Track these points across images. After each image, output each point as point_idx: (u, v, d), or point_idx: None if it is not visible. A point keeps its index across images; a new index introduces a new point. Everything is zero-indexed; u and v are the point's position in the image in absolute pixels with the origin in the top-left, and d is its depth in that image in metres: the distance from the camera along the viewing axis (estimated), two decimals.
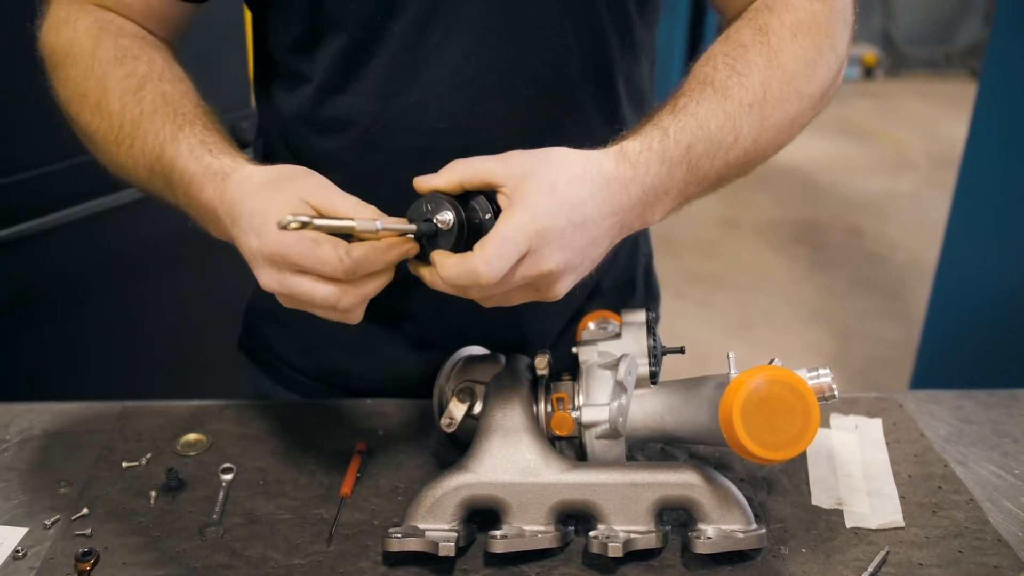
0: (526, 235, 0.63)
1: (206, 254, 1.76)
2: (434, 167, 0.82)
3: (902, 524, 0.78)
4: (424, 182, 0.68)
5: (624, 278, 1.02)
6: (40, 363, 1.52)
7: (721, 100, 0.70)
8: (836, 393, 0.71)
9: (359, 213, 0.65)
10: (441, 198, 0.67)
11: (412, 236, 0.67)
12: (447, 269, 0.64)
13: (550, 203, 0.63)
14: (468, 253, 0.64)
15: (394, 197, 0.76)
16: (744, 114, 0.70)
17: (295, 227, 0.59)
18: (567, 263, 0.65)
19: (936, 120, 5.47)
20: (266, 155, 0.94)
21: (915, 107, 5.83)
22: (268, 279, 0.66)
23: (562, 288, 0.67)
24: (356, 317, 0.68)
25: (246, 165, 0.70)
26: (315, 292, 0.65)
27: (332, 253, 0.64)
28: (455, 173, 0.67)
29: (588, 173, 0.65)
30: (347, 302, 0.66)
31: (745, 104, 0.70)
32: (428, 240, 0.67)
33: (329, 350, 0.97)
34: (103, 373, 1.61)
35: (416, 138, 0.82)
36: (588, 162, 0.66)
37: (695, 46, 4.70)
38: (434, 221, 0.66)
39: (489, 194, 0.67)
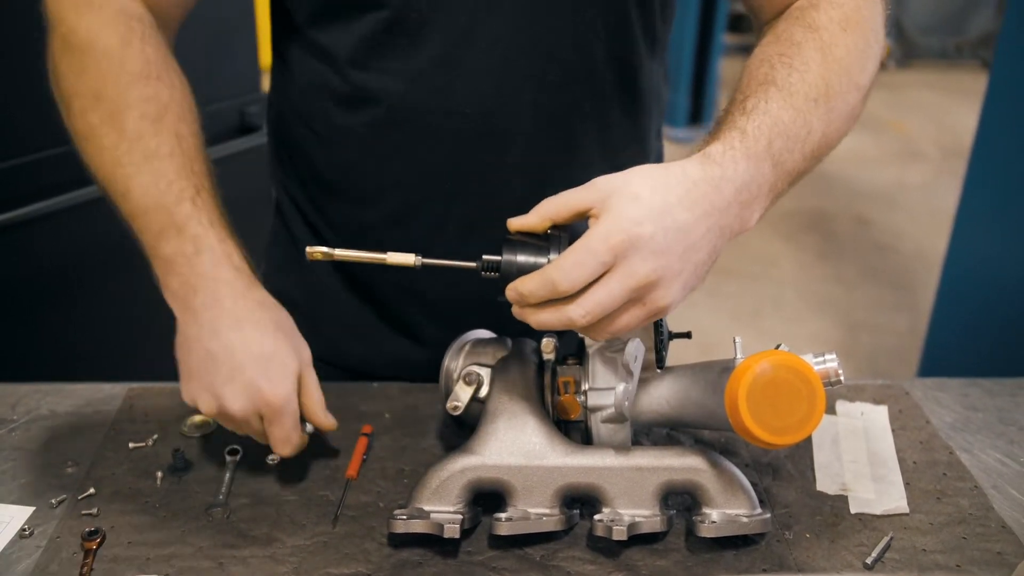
0: (607, 244, 0.62)
1: None
2: (453, 148, 0.82)
3: (907, 510, 0.78)
4: (515, 223, 0.69)
5: None
6: (47, 345, 1.53)
7: (787, 97, 0.70)
8: (842, 378, 0.71)
9: (320, 399, 0.78)
10: (515, 241, 0.68)
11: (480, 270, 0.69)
12: (525, 283, 0.65)
13: (635, 211, 0.63)
14: (548, 266, 0.65)
15: (409, 174, 0.76)
16: (811, 108, 0.70)
17: (319, 256, 0.67)
18: (664, 269, 0.63)
19: (947, 110, 5.43)
20: (278, 126, 0.94)
21: (926, 97, 5.79)
22: (239, 407, 0.73)
23: (668, 298, 0.64)
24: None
25: (260, 284, 0.77)
26: (258, 437, 0.77)
27: (298, 439, 0.77)
28: (542, 209, 0.68)
29: (673, 178, 0.65)
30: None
31: (811, 99, 0.71)
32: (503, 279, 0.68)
33: (337, 333, 0.97)
34: (110, 355, 1.62)
35: (439, 119, 0.82)
36: (671, 169, 0.66)
37: (705, 44, 4.67)
38: (483, 260, 0.69)
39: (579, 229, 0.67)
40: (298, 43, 0.86)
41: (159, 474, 0.81)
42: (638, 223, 0.62)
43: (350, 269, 0.91)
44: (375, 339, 0.96)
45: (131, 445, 0.85)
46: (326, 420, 0.79)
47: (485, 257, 0.69)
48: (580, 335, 0.76)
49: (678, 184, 0.64)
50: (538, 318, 0.66)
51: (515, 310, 0.67)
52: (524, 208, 0.69)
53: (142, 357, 1.67)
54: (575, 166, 0.86)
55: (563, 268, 0.62)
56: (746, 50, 0.81)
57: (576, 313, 0.63)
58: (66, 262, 1.53)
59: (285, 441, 0.75)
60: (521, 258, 0.68)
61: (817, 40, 0.74)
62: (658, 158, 0.98)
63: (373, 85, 0.82)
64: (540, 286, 0.64)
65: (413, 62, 0.80)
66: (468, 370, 0.79)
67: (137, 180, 0.73)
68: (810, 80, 0.71)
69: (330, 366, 0.98)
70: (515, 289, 0.65)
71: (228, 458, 0.83)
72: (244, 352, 0.72)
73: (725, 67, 5.05)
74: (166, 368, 1.75)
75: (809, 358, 0.72)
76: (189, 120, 0.77)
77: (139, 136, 0.73)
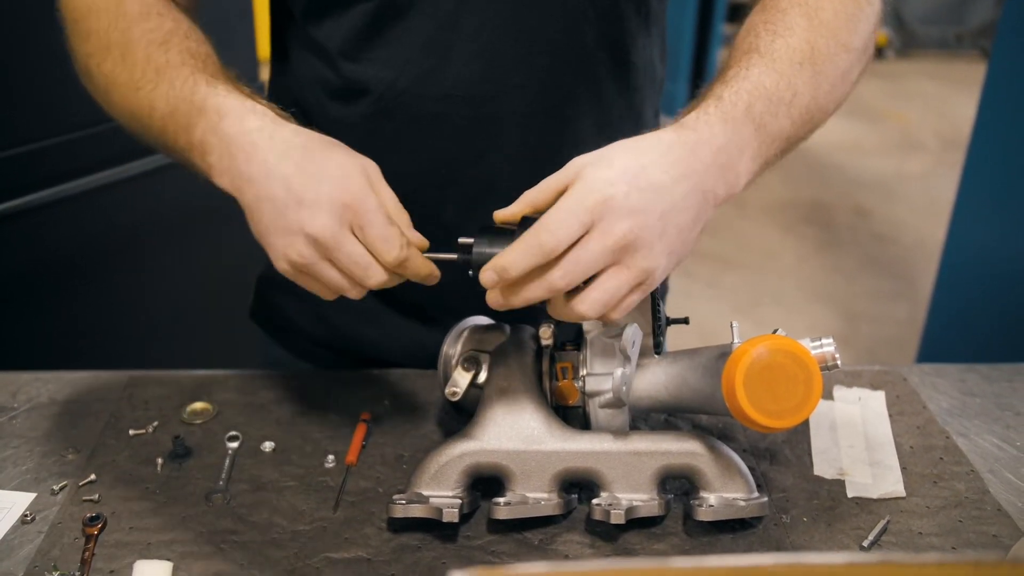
0: (584, 206, 0.62)
1: (212, 226, 1.76)
2: (447, 135, 0.82)
3: (903, 494, 0.78)
4: (500, 215, 0.69)
5: None
6: (48, 334, 1.53)
7: (769, 62, 0.70)
8: (839, 363, 0.71)
9: (402, 210, 0.70)
10: (486, 228, 0.69)
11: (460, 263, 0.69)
12: (506, 255, 0.63)
13: (608, 173, 0.63)
14: (530, 229, 0.64)
15: (406, 164, 0.76)
16: (796, 72, 0.70)
17: None
18: (642, 229, 0.62)
19: (946, 101, 5.42)
20: None
21: (925, 87, 5.78)
22: (321, 224, 0.64)
23: (651, 261, 0.63)
24: (358, 296, 0.69)
25: (293, 120, 0.70)
26: (360, 259, 0.65)
27: (398, 236, 0.66)
28: (524, 197, 0.68)
29: (645, 143, 0.65)
30: (375, 282, 0.67)
31: (795, 63, 0.70)
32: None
33: (341, 319, 0.97)
34: (109, 344, 1.62)
35: (430, 105, 0.82)
36: (644, 137, 0.66)
37: (705, 22, 4.66)
38: (460, 242, 0.69)
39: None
40: (295, 38, 0.87)
41: (159, 461, 0.82)
42: (611, 183, 0.62)
43: None
44: (381, 326, 0.96)
45: (131, 432, 0.85)
46: (414, 232, 0.70)
47: (460, 241, 0.69)
48: (578, 320, 0.74)
49: (651, 149, 0.64)
50: (521, 295, 0.64)
51: (491, 296, 0.66)
52: (520, 190, 0.69)
53: (142, 346, 1.68)
54: (570, 146, 0.85)
55: (548, 227, 0.62)
56: None
57: (556, 275, 0.63)
58: (67, 251, 1.54)
59: (386, 240, 0.65)
60: (492, 246, 0.67)
61: (803, 5, 0.74)
62: (650, 109, 0.98)
63: (364, 75, 0.82)
64: (523, 252, 0.63)
65: (401, 49, 0.81)
66: (467, 356, 0.80)
67: (156, 93, 0.72)
68: (794, 44, 0.71)
69: (336, 352, 0.99)
70: (494, 266, 0.64)
71: (228, 444, 0.84)
72: (300, 173, 0.65)
73: (725, 57, 5.04)
74: (166, 356, 1.77)
75: (806, 342, 0.72)
76: (197, 39, 0.76)
77: (149, 59, 0.73)
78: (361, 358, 0.98)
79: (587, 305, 0.64)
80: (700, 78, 4.76)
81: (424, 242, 0.71)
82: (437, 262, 0.71)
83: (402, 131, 0.83)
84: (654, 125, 0.98)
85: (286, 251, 0.65)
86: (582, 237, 0.62)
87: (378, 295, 0.94)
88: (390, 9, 0.79)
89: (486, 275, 0.65)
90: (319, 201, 0.64)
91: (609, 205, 0.62)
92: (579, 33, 0.81)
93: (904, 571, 0.41)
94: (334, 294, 0.69)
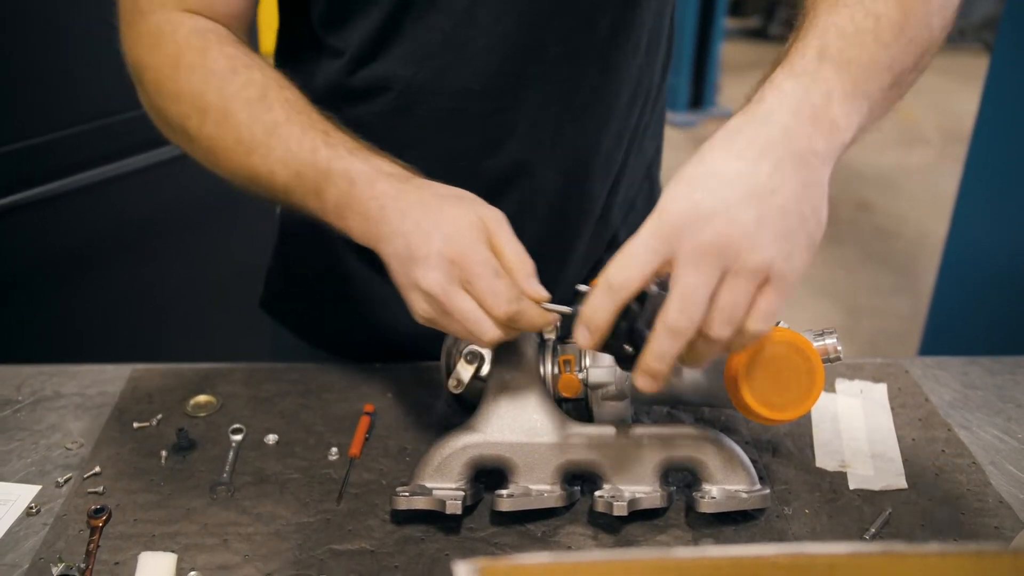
0: (652, 233, 0.57)
1: (215, 220, 1.77)
2: (465, 127, 0.83)
3: (905, 486, 0.79)
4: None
5: None
6: (52, 328, 1.54)
7: (835, 7, 0.63)
8: (841, 355, 0.71)
9: (522, 260, 0.68)
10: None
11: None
12: (588, 303, 0.60)
13: (675, 193, 0.58)
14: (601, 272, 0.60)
15: (424, 157, 0.77)
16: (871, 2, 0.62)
17: None
18: (728, 226, 0.55)
19: (949, 94, 5.41)
20: None
21: (928, 81, 5.73)
22: (432, 280, 0.65)
23: (758, 256, 0.56)
24: (488, 345, 0.69)
25: (417, 174, 0.72)
26: (469, 315, 0.66)
27: (507, 290, 0.65)
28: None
29: (714, 141, 0.59)
30: (489, 337, 0.67)
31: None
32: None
33: (352, 309, 0.97)
34: (114, 338, 1.63)
35: (447, 100, 0.82)
36: (713, 136, 0.60)
37: (706, 28, 4.65)
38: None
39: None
40: (306, 42, 0.87)
41: (164, 453, 0.82)
42: (676, 200, 0.57)
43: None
44: (393, 316, 0.95)
45: (135, 425, 0.86)
46: (531, 286, 0.67)
47: (578, 288, 0.65)
48: (721, 353, 0.62)
49: (719, 144, 0.59)
50: (662, 366, 0.58)
51: (641, 383, 0.60)
52: (540, 178, 0.68)
53: (146, 339, 1.68)
54: (588, 133, 0.87)
55: (617, 262, 0.58)
56: (747, 33, 0.81)
57: (672, 317, 0.57)
58: (70, 245, 1.54)
59: (494, 294, 0.65)
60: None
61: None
62: (660, 109, 0.98)
63: (382, 74, 0.83)
64: (599, 295, 0.59)
65: (419, 46, 0.81)
66: (469, 349, 0.80)
67: (273, 157, 0.72)
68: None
69: (346, 342, 1.00)
70: (580, 319, 0.60)
71: (232, 437, 0.84)
72: (416, 231, 0.67)
73: (726, 51, 5.03)
74: (169, 350, 1.77)
75: (808, 335, 0.72)
76: (288, 86, 0.76)
77: (254, 119, 0.73)
78: (373, 346, 0.98)
79: (715, 329, 0.57)
80: (701, 73, 4.76)
81: (543, 295, 0.68)
82: (554, 313, 0.69)
83: (420, 126, 0.83)
84: (663, 107, 0.99)
85: (413, 305, 0.68)
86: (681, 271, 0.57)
87: (387, 284, 0.94)
88: (407, 7, 0.79)
89: (578, 332, 0.61)
90: (429, 257, 0.66)
91: (683, 223, 0.56)
92: (594, 23, 0.82)
93: (906, 561, 0.41)
94: (468, 335, 0.68)
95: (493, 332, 0.67)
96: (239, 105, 0.74)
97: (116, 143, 1.51)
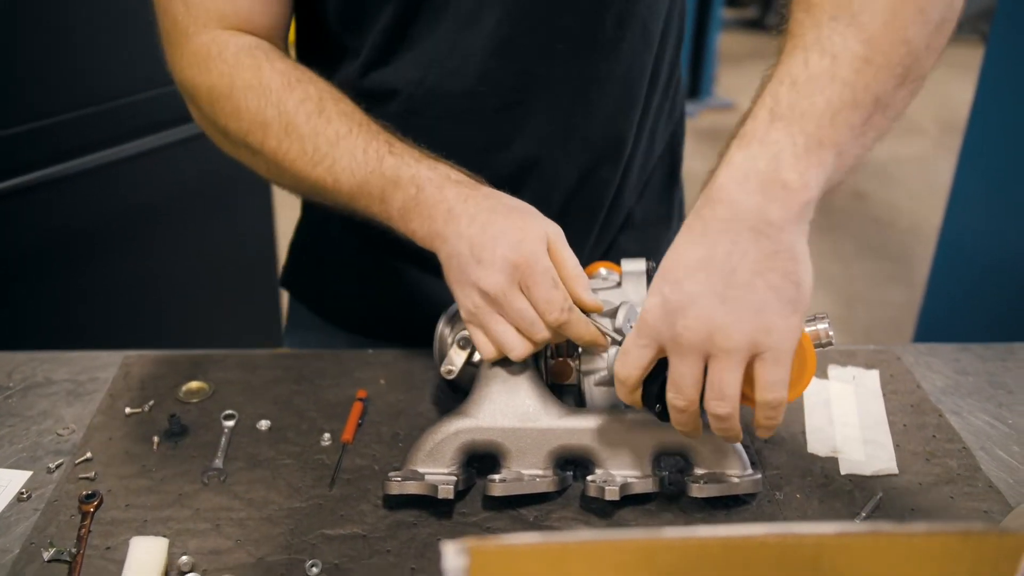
0: (640, 334, 0.63)
1: (212, 207, 1.76)
2: (475, 125, 0.85)
3: (896, 471, 0.79)
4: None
5: (659, 213, 1.03)
6: (43, 315, 1.53)
7: (788, 53, 0.61)
8: (833, 340, 0.71)
9: (580, 274, 0.73)
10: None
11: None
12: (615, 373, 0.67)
13: (652, 287, 0.63)
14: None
15: (435, 155, 0.78)
16: (826, 40, 0.60)
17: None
18: (696, 317, 0.59)
19: (945, 85, 5.39)
20: None
21: None
22: (493, 281, 0.70)
23: (731, 337, 0.59)
24: (518, 358, 0.73)
25: (483, 183, 0.76)
26: (525, 315, 0.70)
27: (562, 299, 0.70)
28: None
29: (680, 238, 0.62)
30: (540, 338, 0.71)
31: (819, 47, 0.60)
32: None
33: (373, 288, 0.98)
34: (106, 324, 1.62)
35: (455, 102, 0.84)
36: (681, 232, 0.63)
37: (703, 18, 4.63)
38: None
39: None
40: (325, 50, 0.88)
41: (156, 439, 0.82)
42: (651, 296, 0.63)
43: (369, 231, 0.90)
44: (420, 289, 0.96)
45: (128, 411, 0.85)
46: (587, 296, 0.72)
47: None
48: (730, 429, 0.67)
49: (683, 239, 0.62)
50: (690, 429, 0.67)
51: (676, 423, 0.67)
52: (552, 169, 0.72)
53: (138, 325, 1.68)
54: (599, 123, 0.87)
55: (621, 351, 0.66)
56: (744, 24, 0.81)
57: (673, 397, 0.64)
58: (62, 232, 1.54)
59: (549, 301, 0.69)
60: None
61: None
62: (674, 85, 0.98)
63: (392, 77, 0.84)
64: (617, 385, 0.67)
65: (426, 50, 0.82)
66: (462, 335, 0.80)
67: (339, 167, 0.76)
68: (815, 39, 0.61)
69: (369, 319, 1.01)
70: (616, 382, 0.68)
71: (224, 423, 0.84)
72: (482, 235, 0.71)
73: (724, 41, 5.02)
74: (161, 336, 1.77)
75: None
76: (343, 98, 0.79)
77: (316, 132, 0.76)
78: (393, 325, 0.99)
79: (711, 406, 0.63)
80: (699, 63, 4.76)
81: (597, 306, 0.73)
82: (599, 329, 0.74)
83: (430, 126, 0.84)
84: (680, 85, 0.99)
85: (465, 301, 0.72)
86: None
87: (411, 259, 0.94)
88: (416, 12, 0.81)
89: (618, 388, 0.68)
90: (494, 261, 0.70)
91: (659, 320, 0.62)
92: (599, 17, 0.82)
93: (893, 540, 0.41)
94: (498, 351, 0.73)
95: (544, 333, 0.71)
96: (300, 119, 0.77)
97: (106, 130, 1.51)
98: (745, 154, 0.59)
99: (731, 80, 5.20)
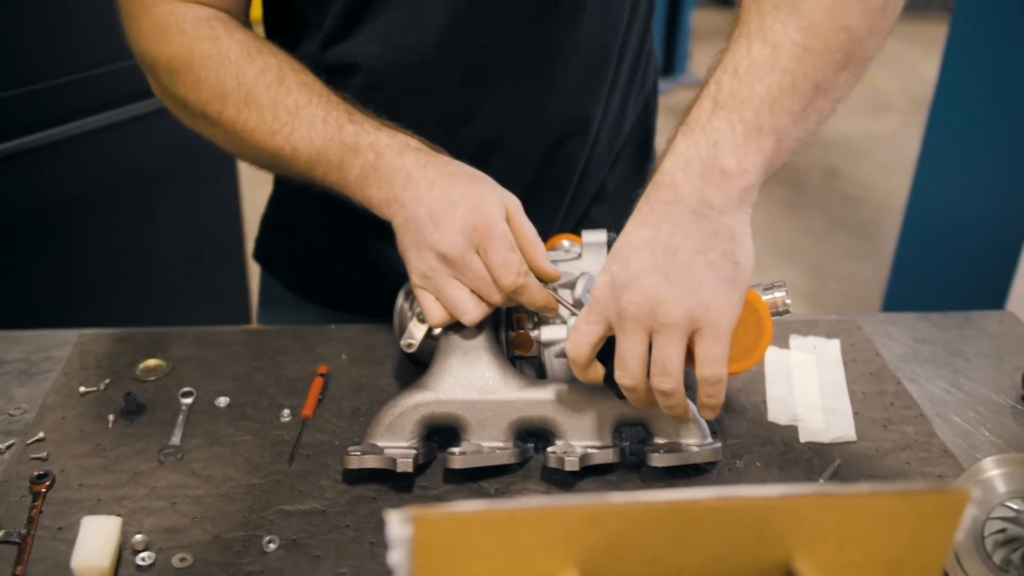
0: (591, 310, 0.65)
1: (178, 183, 1.73)
2: (437, 100, 0.85)
3: (854, 438, 0.79)
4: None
5: (632, 186, 1.02)
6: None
7: (728, 51, 0.64)
8: (790, 308, 0.71)
9: (537, 241, 0.73)
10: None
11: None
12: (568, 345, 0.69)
13: (607, 264, 0.65)
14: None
15: None
16: (767, 30, 0.62)
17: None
18: (639, 292, 0.62)
19: (915, 61, 5.44)
20: None
21: (894, 48, 5.79)
22: (451, 242, 0.70)
23: (672, 311, 0.61)
24: (470, 323, 0.73)
25: (443, 152, 0.77)
26: (481, 278, 0.70)
27: (518, 263, 0.70)
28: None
29: (629, 224, 0.65)
30: (495, 299, 0.71)
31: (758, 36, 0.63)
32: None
33: (345, 261, 0.98)
34: (60, 303, 1.59)
35: (417, 75, 0.83)
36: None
37: None
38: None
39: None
40: (289, 23, 0.87)
41: (111, 418, 0.80)
42: (601, 275, 0.65)
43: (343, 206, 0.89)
44: (387, 265, 0.94)
45: (82, 390, 0.84)
46: (544, 263, 0.73)
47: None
48: (677, 405, 0.68)
49: (632, 223, 0.65)
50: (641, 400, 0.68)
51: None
52: (517, 142, 0.73)
53: (98, 305, 1.65)
54: (562, 94, 0.86)
55: (570, 340, 0.68)
56: (718, 1, 0.80)
57: (619, 376, 0.66)
58: (17, 209, 1.50)
59: (505, 264, 0.70)
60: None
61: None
62: (645, 57, 0.97)
63: (352, 51, 0.83)
64: (572, 365, 0.69)
65: (385, 23, 0.81)
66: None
67: (297, 135, 0.76)
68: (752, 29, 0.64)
69: (339, 293, 1.00)
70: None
71: (182, 401, 0.83)
72: (442, 199, 0.71)
73: (697, 18, 5.01)
74: (124, 316, 1.74)
75: (758, 288, 0.72)
76: (303, 69, 0.79)
77: (276, 102, 0.76)
78: (361, 298, 0.98)
79: (655, 381, 0.65)
80: (673, 41, 4.74)
81: (553, 274, 0.74)
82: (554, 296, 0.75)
83: (392, 102, 0.83)
84: (652, 58, 0.98)
85: (419, 264, 0.72)
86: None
87: (383, 233, 0.93)
88: None
89: (572, 366, 0.70)
90: (453, 222, 0.70)
91: (606, 296, 0.64)
92: None
93: (837, 502, 0.41)
94: (447, 316, 0.73)
95: (497, 297, 0.71)
96: (260, 89, 0.76)
97: (65, 105, 1.48)
98: (688, 142, 0.62)
99: (705, 57, 5.18)
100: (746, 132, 0.61)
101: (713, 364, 0.63)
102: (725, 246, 0.62)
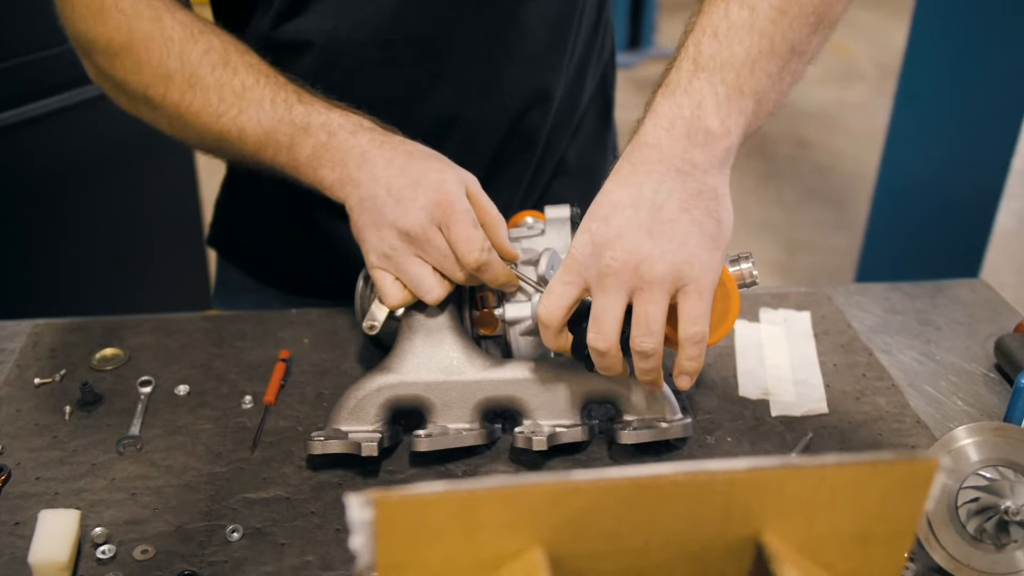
0: (567, 271, 0.64)
1: (132, 169, 1.69)
2: (392, 76, 0.83)
3: (826, 411, 0.79)
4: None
5: (593, 157, 1.01)
6: None
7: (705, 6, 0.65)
8: (758, 280, 0.70)
9: (500, 219, 0.72)
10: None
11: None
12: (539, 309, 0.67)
13: (584, 224, 0.64)
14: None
15: (356, 109, 0.75)
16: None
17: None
18: (621, 249, 0.61)
19: (885, 30, 5.45)
20: None
21: (864, 17, 5.79)
22: (414, 219, 0.68)
23: (656, 269, 0.61)
24: (432, 302, 0.72)
25: (397, 132, 0.75)
26: (444, 255, 0.69)
27: (481, 239, 0.69)
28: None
29: (610, 181, 0.64)
30: (443, 291, 0.70)
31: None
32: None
33: (301, 244, 0.96)
34: (19, 294, 1.55)
35: (372, 52, 0.82)
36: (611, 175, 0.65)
37: None
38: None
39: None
40: (236, 2, 0.84)
41: (67, 409, 0.78)
42: (578, 234, 0.64)
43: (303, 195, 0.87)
44: (336, 254, 0.92)
45: (37, 381, 0.81)
46: (506, 243, 0.72)
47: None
48: (651, 367, 0.68)
49: (612, 180, 0.64)
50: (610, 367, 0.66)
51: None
52: (474, 118, 0.72)
53: (52, 295, 1.61)
54: (518, 65, 0.85)
55: (547, 291, 0.66)
56: None
57: (592, 338, 0.64)
58: None
59: (468, 240, 0.68)
60: None
61: None
62: (603, 26, 0.95)
63: (304, 27, 0.81)
64: (542, 329, 0.67)
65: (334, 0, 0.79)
66: None
67: (244, 117, 0.74)
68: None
69: (295, 277, 0.99)
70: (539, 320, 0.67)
71: (140, 390, 0.81)
72: (401, 175, 0.70)
73: None
74: (71, 303, 1.70)
75: (725, 260, 0.71)
76: (248, 51, 0.77)
77: (221, 83, 0.74)
78: (317, 283, 0.96)
79: (637, 341, 0.63)
80: (639, 13, 4.71)
81: (514, 255, 0.73)
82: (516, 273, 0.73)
83: (348, 79, 0.82)
84: (610, 27, 0.97)
85: (379, 244, 0.70)
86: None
87: (340, 216, 0.92)
88: None
89: (542, 332, 0.68)
90: (416, 199, 0.68)
91: (586, 254, 0.63)
92: None
93: (804, 474, 0.40)
94: (406, 297, 0.71)
95: (459, 275, 0.70)
96: (205, 71, 0.74)
97: (9, 89, 1.43)
98: (670, 103, 0.63)
99: (672, 29, 5.16)
100: (728, 94, 0.62)
101: (697, 322, 0.62)
102: (708, 204, 0.62)
